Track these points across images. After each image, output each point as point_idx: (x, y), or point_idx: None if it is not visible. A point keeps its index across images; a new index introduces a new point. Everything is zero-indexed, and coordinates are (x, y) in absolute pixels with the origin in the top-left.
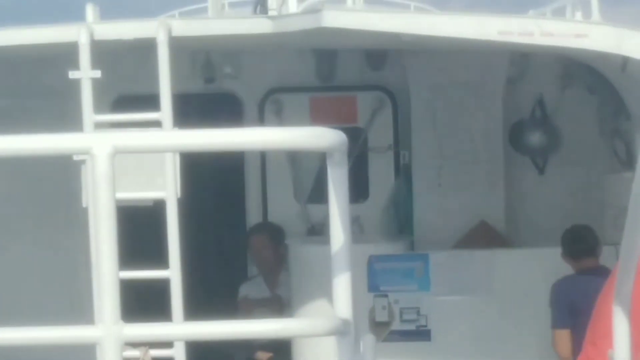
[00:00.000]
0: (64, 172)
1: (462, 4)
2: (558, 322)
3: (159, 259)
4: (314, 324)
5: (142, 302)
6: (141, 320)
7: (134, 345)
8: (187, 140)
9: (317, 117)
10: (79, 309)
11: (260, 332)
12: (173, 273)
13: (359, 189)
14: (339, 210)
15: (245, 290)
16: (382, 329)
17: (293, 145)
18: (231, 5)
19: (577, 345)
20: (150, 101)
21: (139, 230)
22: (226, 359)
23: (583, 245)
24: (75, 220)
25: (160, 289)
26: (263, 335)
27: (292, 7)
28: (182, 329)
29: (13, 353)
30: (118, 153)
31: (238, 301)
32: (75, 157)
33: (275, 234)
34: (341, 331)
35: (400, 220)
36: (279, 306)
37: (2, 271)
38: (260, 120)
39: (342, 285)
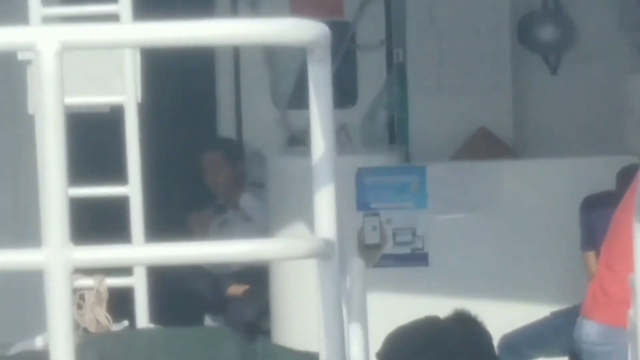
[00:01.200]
0: (6, 74)
1: None
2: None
3: (116, 173)
4: (292, 245)
5: (96, 224)
6: (96, 245)
7: (88, 273)
8: (148, 33)
9: (299, 10)
10: (25, 234)
11: (231, 254)
12: (132, 189)
13: (345, 93)
14: (321, 115)
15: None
16: (372, 253)
17: (267, 38)
18: None
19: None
20: None
21: (93, 140)
22: (192, 293)
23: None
24: (19, 130)
25: (117, 208)
26: (234, 258)
27: None
28: (142, 251)
29: None
30: (67, 49)
31: (190, 219)
32: (20, 57)
33: (230, 151)
34: (323, 253)
35: (393, 128)
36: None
37: None
38: (234, 12)
39: (325, 201)
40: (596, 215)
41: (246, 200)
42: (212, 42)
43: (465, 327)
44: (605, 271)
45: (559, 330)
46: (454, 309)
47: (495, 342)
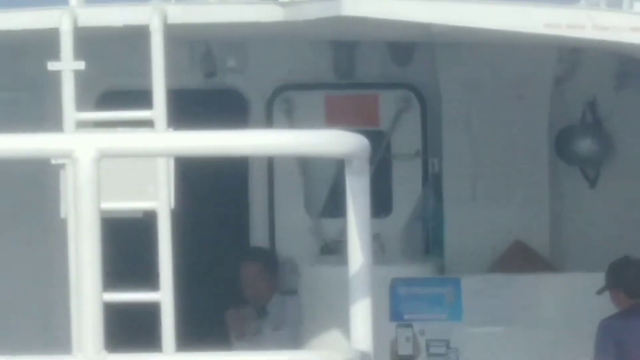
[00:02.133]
0: (39, 178)
1: None
2: (602, 355)
3: (149, 279)
4: (330, 356)
5: (128, 328)
6: (126, 350)
7: None
8: (184, 143)
9: (334, 118)
10: (54, 336)
11: None
12: (164, 296)
13: (380, 202)
14: (359, 225)
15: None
16: None
17: (307, 150)
18: None
19: None
20: (141, 98)
21: (126, 246)
22: None
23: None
24: (50, 234)
25: (149, 313)
26: None
27: None
28: None
29: None
30: (104, 157)
31: (227, 316)
32: (53, 161)
33: (269, 262)
34: None
35: (428, 239)
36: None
37: None
38: (268, 121)
39: (361, 312)
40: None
41: (274, 305)
42: (250, 153)
43: None
44: None
45: None
46: None
47: None
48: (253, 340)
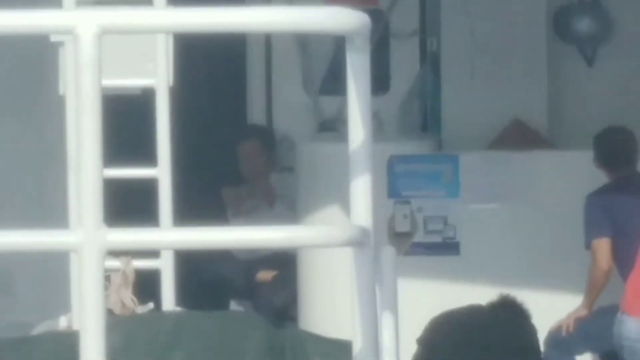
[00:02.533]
0: (37, 55)
1: None
2: (596, 231)
3: (145, 155)
4: (329, 232)
5: (123, 205)
6: (124, 226)
7: (114, 254)
8: (184, 19)
9: None
10: (50, 212)
11: (265, 241)
12: (162, 172)
13: (378, 80)
14: (360, 103)
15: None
16: (403, 241)
17: (308, 27)
18: None
19: (618, 261)
20: None
21: (124, 123)
22: (220, 277)
23: (620, 153)
24: (48, 110)
25: (144, 190)
26: (269, 244)
27: None
28: (173, 235)
29: None
30: (105, 33)
31: (223, 192)
32: (52, 38)
33: (266, 140)
34: (359, 242)
35: (426, 116)
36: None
37: None
38: (267, 0)
39: (362, 189)
40: (617, 202)
41: (277, 183)
42: (251, 30)
43: (511, 319)
44: None
45: (608, 326)
46: (499, 294)
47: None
48: (250, 217)
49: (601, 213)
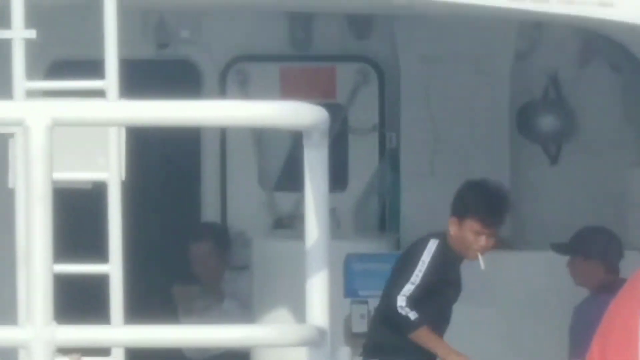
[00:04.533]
0: None
1: None
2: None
3: (97, 251)
4: (285, 331)
5: (73, 301)
6: (75, 323)
7: (64, 351)
8: (138, 112)
9: (289, 90)
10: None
11: (220, 340)
12: (113, 268)
13: (336, 177)
14: (316, 199)
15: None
16: (360, 342)
17: (265, 121)
18: None
19: None
20: (91, 68)
21: (74, 217)
22: None
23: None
24: None
25: (94, 286)
26: (224, 342)
27: None
28: (125, 333)
29: None
30: (57, 125)
31: (173, 291)
32: (1, 130)
33: (220, 240)
34: (315, 342)
35: (384, 214)
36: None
37: None
38: (222, 92)
39: (318, 287)
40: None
41: (229, 284)
42: (207, 124)
43: None
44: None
45: None
46: None
47: None
48: (201, 316)
49: (592, 332)
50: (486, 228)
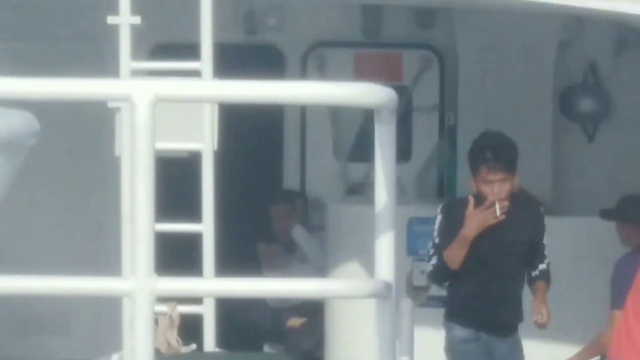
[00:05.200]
0: (95, 120)
1: None
2: (617, 303)
3: (192, 212)
4: (356, 285)
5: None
6: (170, 276)
7: (162, 300)
8: (229, 91)
9: (361, 73)
10: (105, 262)
11: (298, 291)
12: (206, 227)
13: (401, 149)
14: (385, 170)
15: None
16: (419, 294)
17: (341, 100)
18: None
19: None
20: (189, 51)
21: (173, 182)
22: (253, 323)
23: None
24: (104, 169)
25: (187, 242)
26: (301, 294)
27: None
28: (216, 284)
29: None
30: (159, 102)
31: (259, 248)
32: (110, 104)
33: (298, 203)
34: (382, 294)
35: (443, 183)
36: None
37: (37, 221)
38: (303, 75)
39: (385, 247)
40: (623, 276)
41: (298, 234)
42: (289, 102)
43: None
44: (633, 320)
45: None
46: None
47: None
48: (282, 272)
49: (628, 283)
50: (488, 174)
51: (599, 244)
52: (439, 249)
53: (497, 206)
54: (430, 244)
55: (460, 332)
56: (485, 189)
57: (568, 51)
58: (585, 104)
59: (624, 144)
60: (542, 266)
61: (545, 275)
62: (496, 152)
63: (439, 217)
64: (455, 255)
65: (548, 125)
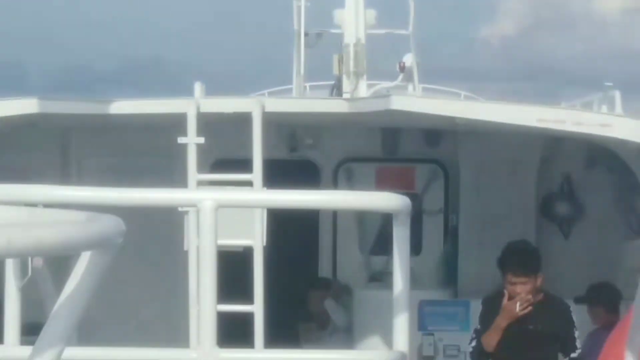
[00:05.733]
0: (168, 221)
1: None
2: None
3: (246, 296)
4: (378, 355)
5: (227, 331)
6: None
7: None
8: (277, 198)
9: (382, 184)
10: (175, 336)
11: None
12: (257, 308)
13: (413, 245)
14: (401, 262)
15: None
16: None
17: (367, 206)
18: (311, 87)
19: None
20: (242, 165)
21: (230, 271)
22: None
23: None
24: (175, 261)
25: (243, 320)
26: None
27: (362, 91)
28: (267, 355)
29: None
30: (220, 207)
31: (299, 327)
32: (180, 209)
33: (328, 289)
34: None
35: (447, 273)
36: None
37: (115, 301)
38: (334, 185)
39: (401, 323)
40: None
41: (329, 305)
42: (325, 208)
43: None
44: None
45: None
46: None
47: None
48: (316, 345)
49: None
50: (512, 277)
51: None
52: (479, 333)
53: (518, 303)
54: (473, 329)
55: None
56: (510, 288)
57: (548, 165)
58: (562, 208)
59: (593, 241)
60: (573, 355)
61: None
62: (517, 260)
63: (481, 308)
64: (491, 340)
65: (532, 225)
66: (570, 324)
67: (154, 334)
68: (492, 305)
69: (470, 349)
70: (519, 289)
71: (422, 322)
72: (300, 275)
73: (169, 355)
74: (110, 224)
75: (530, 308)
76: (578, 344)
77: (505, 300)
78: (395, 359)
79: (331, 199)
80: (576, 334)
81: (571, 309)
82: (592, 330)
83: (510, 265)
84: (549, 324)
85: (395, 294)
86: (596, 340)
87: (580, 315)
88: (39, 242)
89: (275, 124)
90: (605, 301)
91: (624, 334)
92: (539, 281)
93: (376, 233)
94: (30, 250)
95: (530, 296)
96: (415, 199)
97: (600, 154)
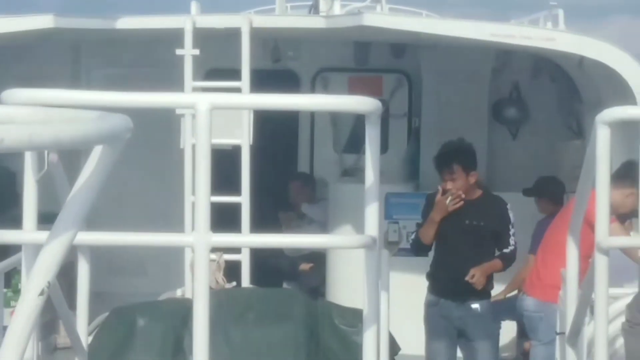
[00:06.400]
0: (167, 123)
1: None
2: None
3: (234, 188)
4: (350, 239)
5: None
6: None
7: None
8: (265, 101)
9: (354, 91)
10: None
11: (308, 243)
12: (244, 199)
13: (381, 144)
14: (373, 158)
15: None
16: (393, 247)
17: (344, 108)
18: (292, 7)
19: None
20: (232, 74)
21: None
22: (275, 267)
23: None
24: (172, 157)
25: (231, 209)
26: (312, 245)
27: (337, 9)
28: (252, 239)
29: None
30: (214, 109)
31: (280, 215)
32: (177, 111)
33: (308, 181)
34: (370, 245)
35: (410, 168)
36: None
37: (120, 193)
38: (312, 91)
39: (372, 211)
40: (539, 232)
41: (306, 208)
42: (305, 109)
43: None
44: (541, 263)
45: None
46: None
47: None
48: (296, 231)
49: (541, 235)
50: (445, 174)
51: (521, 212)
52: (419, 227)
53: (449, 197)
54: (416, 223)
55: (428, 296)
56: (442, 184)
57: (499, 75)
58: (510, 112)
59: (538, 141)
60: (505, 250)
61: (504, 257)
62: (448, 158)
63: (424, 203)
64: (426, 233)
65: (484, 127)
66: (507, 221)
67: (153, 222)
68: (432, 201)
69: (410, 241)
70: (449, 185)
71: (388, 212)
72: (281, 170)
73: (168, 239)
74: (120, 121)
75: (461, 203)
76: (512, 240)
77: (439, 196)
78: (366, 241)
79: (312, 102)
80: (511, 231)
81: (519, 201)
82: (540, 219)
83: (439, 163)
84: (486, 219)
85: (366, 186)
86: (543, 227)
87: (529, 206)
88: (57, 137)
89: (261, 38)
90: (551, 193)
91: (566, 220)
92: (471, 179)
93: (348, 134)
94: (48, 145)
95: (460, 192)
96: (383, 104)
97: (544, 64)
